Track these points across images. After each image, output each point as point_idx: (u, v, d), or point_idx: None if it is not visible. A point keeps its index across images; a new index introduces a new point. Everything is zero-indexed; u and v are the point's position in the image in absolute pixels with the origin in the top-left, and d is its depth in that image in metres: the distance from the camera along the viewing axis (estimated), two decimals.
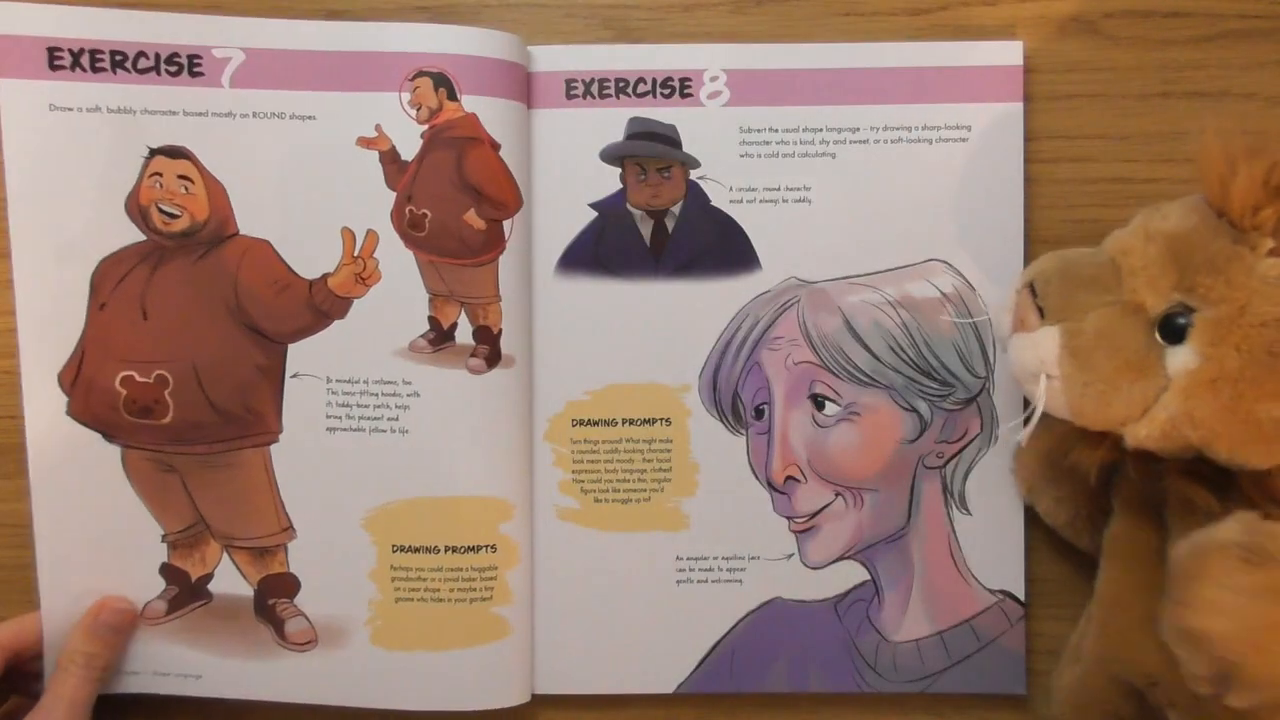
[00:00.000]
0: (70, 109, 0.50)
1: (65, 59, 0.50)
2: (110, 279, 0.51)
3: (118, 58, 0.50)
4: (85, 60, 0.50)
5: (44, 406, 0.51)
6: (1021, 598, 0.53)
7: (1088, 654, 0.49)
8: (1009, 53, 0.53)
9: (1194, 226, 0.42)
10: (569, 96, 0.53)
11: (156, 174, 0.51)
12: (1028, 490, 0.52)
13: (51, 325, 0.51)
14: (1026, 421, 0.45)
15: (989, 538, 0.53)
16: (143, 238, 0.51)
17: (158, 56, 0.50)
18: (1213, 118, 0.50)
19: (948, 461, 0.53)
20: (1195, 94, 0.53)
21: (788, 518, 0.53)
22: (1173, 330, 0.42)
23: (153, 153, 0.51)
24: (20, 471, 0.54)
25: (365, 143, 0.51)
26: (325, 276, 0.52)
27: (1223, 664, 0.38)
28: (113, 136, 0.50)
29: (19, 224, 0.50)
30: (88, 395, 0.51)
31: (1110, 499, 0.49)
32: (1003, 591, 0.53)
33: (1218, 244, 0.41)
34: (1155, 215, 0.44)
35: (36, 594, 0.52)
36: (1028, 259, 0.52)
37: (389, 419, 0.52)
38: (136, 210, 0.51)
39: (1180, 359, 0.41)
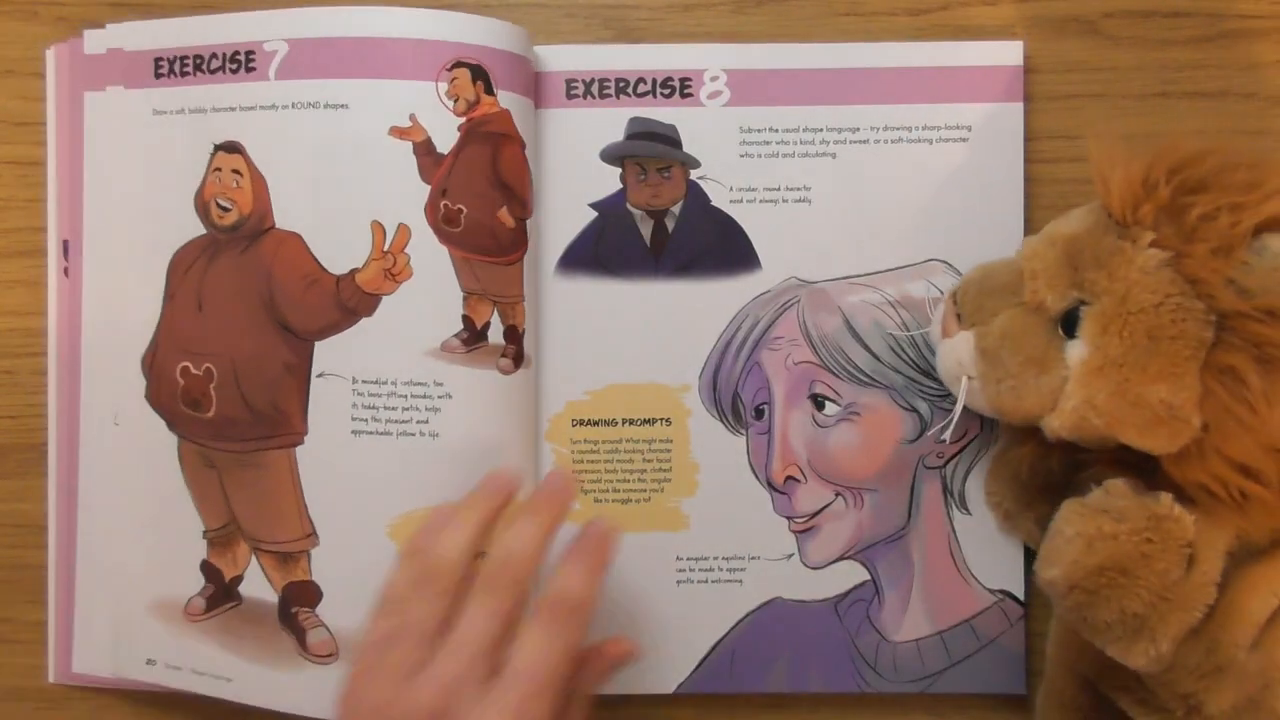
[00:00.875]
0: (165, 112, 0.52)
1: (165, 67, 0.52)
2: (179, 270, 0.52)
3: (197, 61, 0.52)
4: (177, 66, 0.52)
5: (124, 389, 0.52)
6: (1021, 597, 0.53)
7: (1049, 648, 0.51)
8: (1009, 53, 0.53)
9: (1089, 227, 0.44)
10: (569, 96, 0.53)
11: (217, 169, 0.51)
12: (1004, 517, 0.52)
13: (133, 311, 0.52)
14: (948, 425, 0.49)
15: (989, 538, 0.53)
16: (205, 231, 0.52)
17: (224, 56, 0.51)
18: (1177, 118, 0.52)
19: (948, 461, 0.53)
20: (1195, 94, 0.53)
21: (788, 518, 0.53)
22: (1071, 324, 0.44)
23: (216, 149, 0.51)
24: (22, 471, 0.54)
25: (399, 133, 0.49)
26: (353, 272, 0.50)
27: (1063, 604, 0.43)
28: (190, 135, 0.52)
29: (104, 215, 0.53)
30: (159, 382, 0.52)
31: None
32: (1002, 591, 0.53)
33: (1106, 241, 0.43)
34: (1061, 220, 0.46)
35: (45, 593, 0.53)
36: None
37: (419, 422, 0.49)
38: (201, 205, 0.52)
39: (1075, 351, 0.44)
